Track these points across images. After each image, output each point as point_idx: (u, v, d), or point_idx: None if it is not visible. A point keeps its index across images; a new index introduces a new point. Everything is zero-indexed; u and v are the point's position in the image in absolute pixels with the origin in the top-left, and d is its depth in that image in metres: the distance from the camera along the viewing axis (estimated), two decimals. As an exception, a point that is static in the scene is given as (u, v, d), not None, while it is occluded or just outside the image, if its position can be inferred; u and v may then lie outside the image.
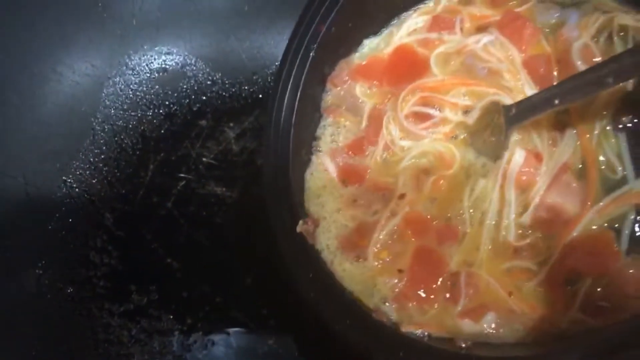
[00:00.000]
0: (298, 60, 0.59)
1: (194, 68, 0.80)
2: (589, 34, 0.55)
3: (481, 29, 0.60)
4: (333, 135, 0.62)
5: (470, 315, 0.49)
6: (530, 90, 0.55)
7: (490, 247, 0.51)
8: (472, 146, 0.56)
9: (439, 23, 0.61)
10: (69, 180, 0.72)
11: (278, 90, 0.59)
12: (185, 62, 0.80)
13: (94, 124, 0.75)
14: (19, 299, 0.64)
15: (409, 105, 0.58)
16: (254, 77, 0.79)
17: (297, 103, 0.59)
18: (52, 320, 0.64)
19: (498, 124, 0.53)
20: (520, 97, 0.54)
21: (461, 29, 0.61)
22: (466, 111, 0.57)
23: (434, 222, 0.54)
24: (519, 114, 0.52)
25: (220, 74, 0.79)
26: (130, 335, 0.64)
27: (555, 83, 0.54)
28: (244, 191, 0.72)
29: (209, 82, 0.79)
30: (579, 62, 0.53)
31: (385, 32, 0.64)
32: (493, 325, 0.49)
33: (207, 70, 0.80)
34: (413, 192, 0.56)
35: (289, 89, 0.59)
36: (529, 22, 0.57)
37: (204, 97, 0.78)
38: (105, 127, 0.76)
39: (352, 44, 0.64)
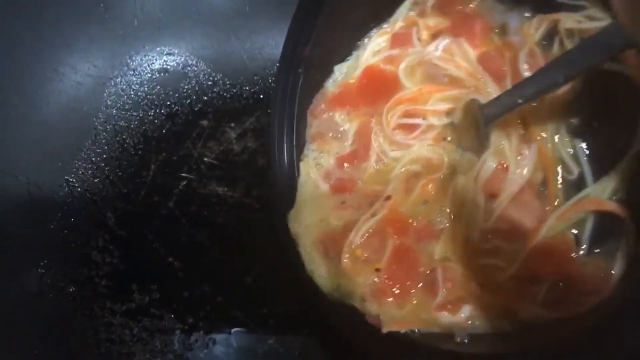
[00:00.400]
0: (290, 85, 0.61)
1: (195, 68, 0.80)
2: (533, 41, 0.57)
3: (436, 36, 0.62)
4: (316, 159, 0.62)
5: (447, 307, 0.51)
6: (492, 85, 0.57)
7: (464, 242, 0.53)
8: (459, 144, 0.57)
9: (398, 39, 0.63)
10: (71, 179, 0.72)
11: (276, 120, 0.61)
12: (186, 63, 0.80)
13: (96, 123, 0.76)
14: (20, 298, 0.64)
15: (394, 120, 0.59)
16: (255, 78, 0.79)
17: (294, 125, 0.61)
18: (53, 320, 0.64)
19: (479, 121, 0.55)
20: (485, 94, 0.56)
21: (419, 40, 0.62)
22: (449, 113, 0.58)
23: (415, 224, 0.55)
24: (492, 113, 0.53)
25: (221, 75, 0.80)
26: (132, 334, 0.64)
27: (508, 79, 0.56)
28: (246, 191, 0.72)
29: (210, 83, 0.79)
30: (525, 69, 0.55)
31: (353, 57, 0.65)
32: (469, 317, 0.51)
33: (209, 70, 0.80)
34: (400, 194, 0.56)
35: (286, 115, 0.61)
36: (478, 18, 0.60)
37: (205, 98, 0.79)
38: (107, 127, 0.76)
39: (329, 72, 0.65)
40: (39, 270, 0.66)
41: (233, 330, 0.65)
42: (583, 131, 0.53)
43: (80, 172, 0.73)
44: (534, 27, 0.57)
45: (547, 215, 0.51)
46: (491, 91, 0.56)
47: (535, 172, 0.53)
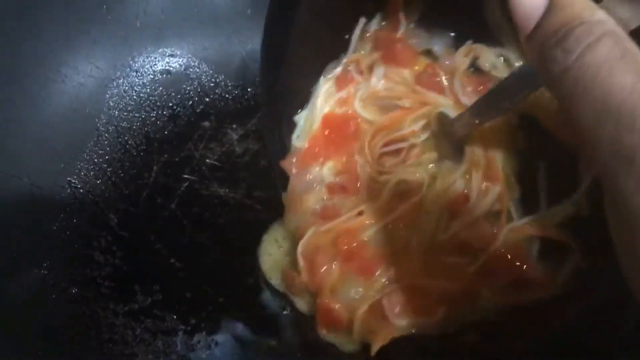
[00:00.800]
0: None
1: (197, 70, 0.80)
2: (461, 70, 0.60)
3: (372, 67, 0.64)
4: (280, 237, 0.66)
5: (422, 314, 0.54)
6: (441, 98, 0.60)
7: (432, 239, 0.56)
8: (439, 152, 0.59)
9: (342, 81, 0.64)
10: (74, 181, 0.72)
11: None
12: (188, 64, 0.81)
13: (98, 125, 0.76)
14: (23, 299, 0.64)
15: (377, 150, 0.60)
16: (257, 80, 0.79)
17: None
18: (56, 321, 0.64)
19: (448, 133, 0.58)
20: (445, 106, 0.60)
21: (361, 74, 0.64)
22: (425, 127, 0.60)
23: (370, 251, 0.56)
24: (456, 130, 0.56)
25: (223, 76, 0.80)
26: (135, 335, 0.64)
27: (447, 93, 0.60)
28: (247, 192, 0.73)
29: (212, 84, 0.80)
30: (464, 99, 0.59)
31: (309, 105, 0.65)
32: (444, 314, 0.54)
33: (210, 72, 0.80)
34: (376, 212, 0.58)
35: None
36: (399, 42, 0.62)
37: (207, 99, 0.79)
38: (109, 128, 0.76)
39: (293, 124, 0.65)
40: (42, 271, 0.66)
41: (235, 330, 0.65)
42: (535, 158, 0.56)
43: (82, 173, 0.73)
44: (459, 57, 0.61)
45: (497, 236, 0.54)
46: (444, 102, 0.59)
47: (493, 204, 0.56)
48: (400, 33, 0.63)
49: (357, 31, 0.64)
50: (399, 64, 0.62)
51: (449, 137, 0.58)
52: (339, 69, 0.65)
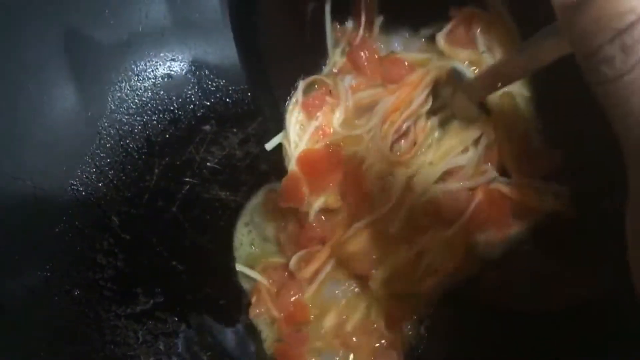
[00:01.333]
0: None
1: (198, 74, 0.81)
2: (443, 32, 0.57)
3: (338, 75, 0.61)
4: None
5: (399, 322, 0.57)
6: (423, 69, 0.57)
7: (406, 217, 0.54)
8: (451, 109, 0.56)
9: (310, 106, 0.59)
10: (76, 183, 0.73)
11: None
12: (189, 69, 0.81)
13: (100, 128, 0.76)
14: (26, 301, 0.65)
15: (390, 137, 0.55)
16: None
17: None
18: (59, 322, 0.65)
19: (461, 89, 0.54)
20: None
21: (330, 93, 0.59)
22: (429, 94, 0.56)
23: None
24: (474, 89, 0.52)
25: (224, 81, 0.81)
26: (137, 337, 0.65)
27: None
28: (248, 195, 0.73)
29: (212, 89, 0.81)
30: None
31: (283, 134, 0.60)
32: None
33: (211, 76, 0.81)
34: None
35: None
36: (365, 49, 0.59)
37: (208, 103, 0.80)
38: (111, 131, 0.77)
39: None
40: (45, 273, 0.66)
41: (236, 332, 0.66)
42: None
43: (84, 176, 0.74)
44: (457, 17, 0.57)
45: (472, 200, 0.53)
46: (434, 64, 0.56)
47: None
48: (359, 37, 0.59)
49: (328, 37, 0.61)
50: (366, 74, 0.58)
51: (465, 94, 0.53)
52: (300, 95, 0.59)
